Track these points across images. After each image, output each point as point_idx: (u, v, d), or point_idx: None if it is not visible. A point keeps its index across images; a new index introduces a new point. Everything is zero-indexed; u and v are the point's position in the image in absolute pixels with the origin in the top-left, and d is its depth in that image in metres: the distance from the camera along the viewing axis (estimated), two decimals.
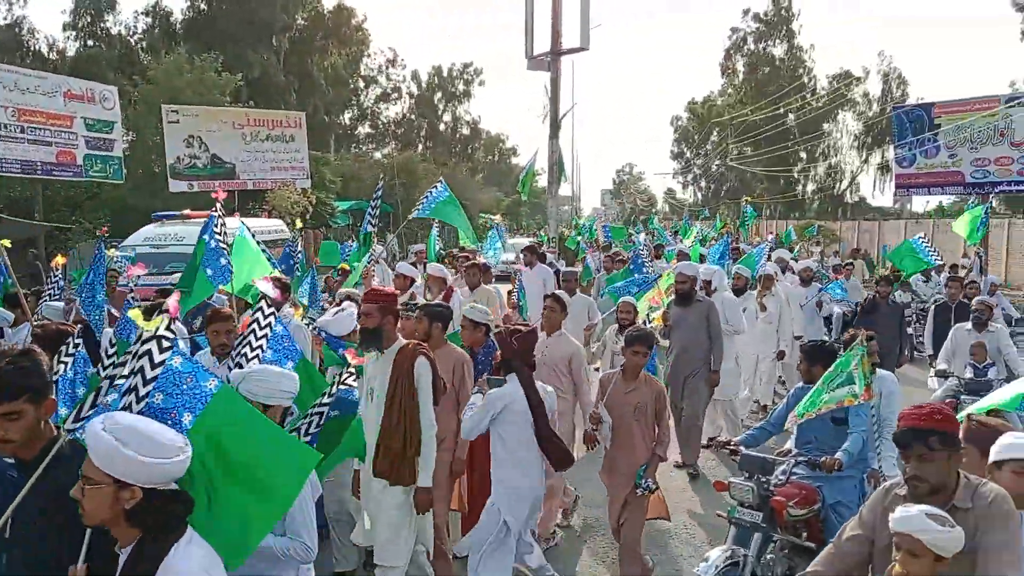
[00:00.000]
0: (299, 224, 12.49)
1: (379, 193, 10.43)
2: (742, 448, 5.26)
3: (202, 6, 45.13)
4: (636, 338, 5.52)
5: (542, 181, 15.25)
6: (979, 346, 8.20)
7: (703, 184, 72.95)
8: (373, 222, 10.08)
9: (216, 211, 6.53)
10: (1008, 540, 2.86)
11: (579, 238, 21.86)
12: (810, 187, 60.45)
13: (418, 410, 4.78)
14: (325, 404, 3.82)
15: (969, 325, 8.47)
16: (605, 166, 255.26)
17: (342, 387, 3.92)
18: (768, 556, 4.81)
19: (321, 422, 3.83)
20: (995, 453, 3.28)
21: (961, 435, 3.18)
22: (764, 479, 4.91)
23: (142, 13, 45.66)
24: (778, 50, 60.66)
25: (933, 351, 9.64)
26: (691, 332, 7.93)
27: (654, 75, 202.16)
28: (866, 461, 5.17)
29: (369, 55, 58.77)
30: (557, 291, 7.53)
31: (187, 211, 17.35)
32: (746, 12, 62.04)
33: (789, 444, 5.61)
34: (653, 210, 61.76)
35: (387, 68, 64.05)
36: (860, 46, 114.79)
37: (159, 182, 28.36)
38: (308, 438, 3.70)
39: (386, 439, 4.77)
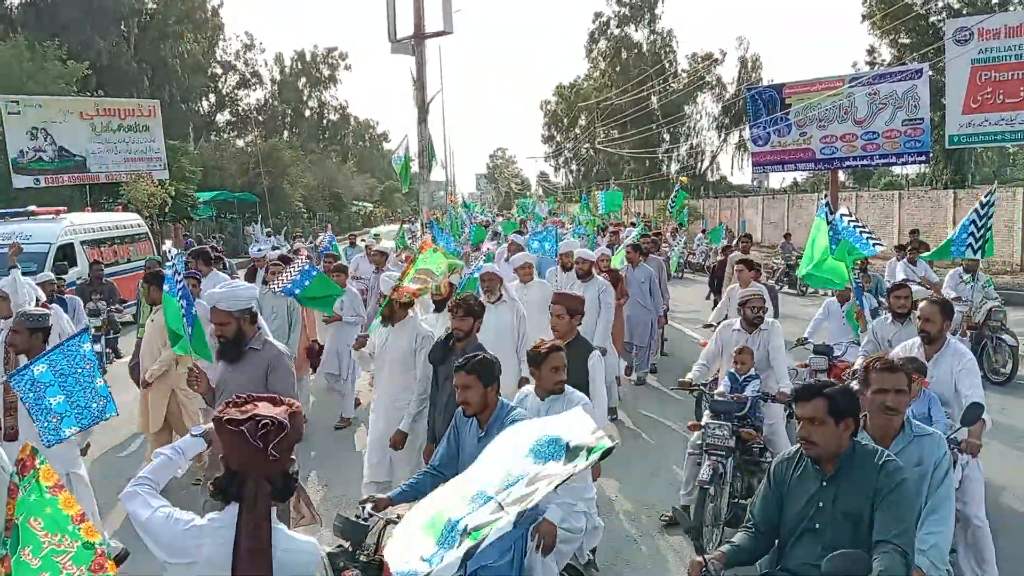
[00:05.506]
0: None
1: None
2: None
3: None
4: None
5: (415, 167, 15.09)
6: (745, 352, 6.13)
7: (574, 167, 74.28)
8: None
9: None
10: None
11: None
12: (674, 167, 62.48)
13: None
14: None
15: (737, 323, 6.50)
16: (479, 150, 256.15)
17: None
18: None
19: None
20: None
21: None
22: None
23: None
24: (641, 34, 62.20)
25: None
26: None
27: (524, 59, 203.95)
28: None
29: (226, 39, 56.65)
30: None
31: (33, 208, 16.47)
32: None
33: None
34: (528, 193, 62.53)
35: (244, 53, 61.99)
36: (719, 30, 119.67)
37: (1, 178, 26.59)
38: None
39: None
